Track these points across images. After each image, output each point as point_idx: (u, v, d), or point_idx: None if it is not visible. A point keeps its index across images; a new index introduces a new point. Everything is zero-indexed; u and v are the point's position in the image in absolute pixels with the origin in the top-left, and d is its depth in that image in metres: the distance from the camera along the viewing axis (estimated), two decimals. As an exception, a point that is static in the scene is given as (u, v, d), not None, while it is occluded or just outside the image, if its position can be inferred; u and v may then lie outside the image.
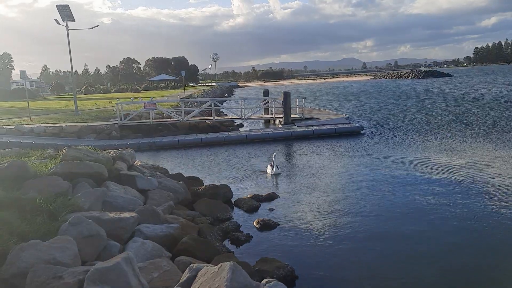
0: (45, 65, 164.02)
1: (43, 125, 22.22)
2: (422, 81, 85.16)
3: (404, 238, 7.44)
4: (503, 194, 9.52)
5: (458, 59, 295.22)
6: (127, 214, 6.03)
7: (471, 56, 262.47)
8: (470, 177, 11.18)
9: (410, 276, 6.13)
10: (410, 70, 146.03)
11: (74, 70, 31.11)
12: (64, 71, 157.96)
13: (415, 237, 7.46)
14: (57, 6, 27.18)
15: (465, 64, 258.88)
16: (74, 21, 28.13)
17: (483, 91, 44.62)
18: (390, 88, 63.70)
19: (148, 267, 4.87)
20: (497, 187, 10.11)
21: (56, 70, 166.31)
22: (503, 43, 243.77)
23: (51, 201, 5.79)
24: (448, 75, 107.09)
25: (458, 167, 12.42)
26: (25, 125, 22.22)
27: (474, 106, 30.00)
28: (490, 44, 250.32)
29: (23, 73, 27.84)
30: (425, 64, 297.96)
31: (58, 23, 27.69)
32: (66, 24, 27.81)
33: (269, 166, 12.74)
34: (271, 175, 12.46)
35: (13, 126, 21.75)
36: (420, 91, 51.24)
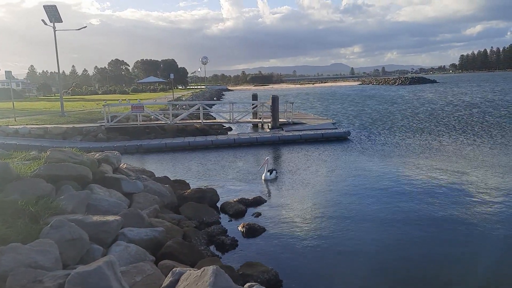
0: (31, 66, 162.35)
1: (28, 126, 21.93)
2: (408, 87, 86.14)
3: (389, 243, 7.49)
4: (487, 199, 9.66)
5: (444, 66, 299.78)
6: (111, 218, 5.97)
7: (457, 63, 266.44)
8: (451, 181, 11.32)
9: (394, 281, 6.17)
10: (397, 77, 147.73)
11: (61, 71, 30.82)
12: (51, 72, 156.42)
13: (400, 242, 7.51)
14: (44, 6, 26.91)
15: (451, 71, 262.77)
16: (62, 21, 27.86)
17: (466, 97, 45.38)
18: (377, 94, 64.36)
19: (131, 271, 4.82)
20: (480, 190, 10.25)
21: (43, 70, 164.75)
22: (488, 51, 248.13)
23: (33, 203, 5.70)
24: (434, 81, 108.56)
25: (440, 170, 12.60)
26: (10, 126, 21.89)
27: (456, 111, 30.48)
28: (475, 52, 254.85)
29: (8, 73, 27.45)
30: (411, 71, 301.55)
31: (45, 23, 27.41)
32: (53, 24, 27.54)
33: (264, 172, 12.47)
34: (265, 180, 12.32)
35: (-3, 127, 21.43)
36: (406, 98, 51.88)
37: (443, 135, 20.39)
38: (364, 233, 7.94)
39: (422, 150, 16.48)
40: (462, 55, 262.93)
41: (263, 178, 12.43)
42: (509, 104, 34.93)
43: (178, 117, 23.94)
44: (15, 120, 24.86)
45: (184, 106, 33.36)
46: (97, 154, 9.51)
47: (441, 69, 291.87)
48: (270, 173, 12.46)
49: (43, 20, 27.30)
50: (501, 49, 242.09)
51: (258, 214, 9.22)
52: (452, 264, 6.61)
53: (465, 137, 19.47)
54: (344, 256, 7.03)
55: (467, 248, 7.16)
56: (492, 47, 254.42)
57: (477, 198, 9.85)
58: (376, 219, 8.69)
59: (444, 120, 26.12)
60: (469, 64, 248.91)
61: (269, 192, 11.18)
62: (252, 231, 8.07)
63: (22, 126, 21.94)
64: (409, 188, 10.96)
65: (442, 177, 12.00)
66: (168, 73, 67.03)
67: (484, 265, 6.56)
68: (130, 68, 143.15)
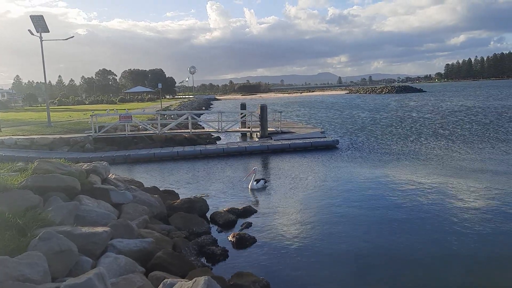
0: (17, 76, 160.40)
1: (14, 137, 21.64)
2: (395, 96, 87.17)
3: (381, 251, 7.52)
4: (474, 207, 9.79)
5: (430, 75, 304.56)
6: (100, 229, 5.91)
7: (443, 72, 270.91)
8: (436, 186, 11.47)
9: (384, 289, 6.21)
10: (384, 85, 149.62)
11: (47, 81, 30.52)
12: (37, 82, 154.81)
13: (390, 251, 7.55)
14: (31, 16, 26.74)
15: (436, 80, 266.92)
16: (48, 31, 27.67)
17: (451, 104, 46.17)
18: (364, 103, 65.02)
19: (121, 283, 4.77)
20: (467, 199, 10.39)
21: (28, 81, 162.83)
22: (472, 60, 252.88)
23: (20, 215, 5.61)
24: (421, 90, 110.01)
25: (425, 177, 12.76)
26: (-5, 137, 21.59)
27: (441, 118, 30.95)
28: (460, 61, 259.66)
29: (-6, 83, 27.12)
30: (398, 80, 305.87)
31: (32, 33, 27.20)
32: (40, 34, 27.35)
33: (251, 181, 12.54)
34: (251, 189, 12.36)
35: (-18, 138, 21.11)
36: (393, 106, 52.51)
37: (429, 142, 20.64)
38: (355, 241, 7.97)
39: (409, 158, 16.66)
40: (447, 64, 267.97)
41: (249, 187, 12.46)
42: (491, 111, 35.62)
43: (167, 127, 23.86)
44: (1, 131, 24.52)
45: (172, 116, 33.27)
46: (85, 165, 9.42)
47: (427, 78, 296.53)
48: (257, 182, 12.49)
49: (29, 30, 27.08)
50: (485, 58, 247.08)
51: (248, 224, 9.20)
52: (440, 266, 6.67)
53: (451, 143, 19.75)
54: (335, 264, 7.04)
55: (453, 250, 7.23)
56: (476, 56, 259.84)
57: (465, 201, 9.98)
58: (366, 227, 8.74)
59: (429, 128, 26.50)
60: (454, 73, 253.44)
61: (259, 202, 11.17)
62: (243, 241, 8.05)
63: (7, 136, 21.66)
64: (398, 195, 11.06)
65: (427, 182, 12.17)
66: (156, 83, 67.02)
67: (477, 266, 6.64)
68: (117, 78, 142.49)
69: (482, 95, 68.84)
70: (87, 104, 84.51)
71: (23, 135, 22.74)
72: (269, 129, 23.67)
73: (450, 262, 6.95)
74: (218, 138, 25.64)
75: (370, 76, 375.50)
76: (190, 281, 4.09)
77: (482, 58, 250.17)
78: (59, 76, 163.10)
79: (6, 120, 33.30)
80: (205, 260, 7.23)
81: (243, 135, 26.47)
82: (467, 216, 9.15)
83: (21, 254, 4.57)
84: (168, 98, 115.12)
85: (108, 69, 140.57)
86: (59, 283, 4.03)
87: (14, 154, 18.15)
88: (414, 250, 7.49)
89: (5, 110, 55.49)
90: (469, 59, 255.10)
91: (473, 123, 28.47)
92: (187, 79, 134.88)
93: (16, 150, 19.92)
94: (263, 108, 22.96)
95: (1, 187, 6.57)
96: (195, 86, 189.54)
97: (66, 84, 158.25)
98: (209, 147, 20.91)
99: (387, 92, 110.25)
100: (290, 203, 10.88)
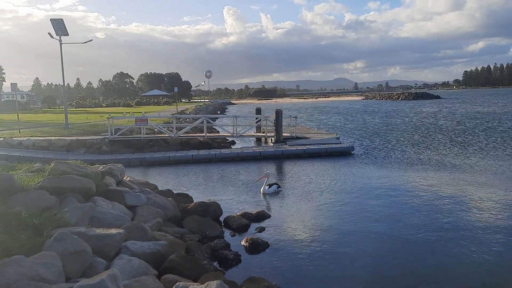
0: (36, 78, 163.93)
1: (32, 138, 22.00)
2: (412, 103, 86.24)
3: (394, 258, 7.42)
4: (492, 216, 9.58)
5: (448, 81, 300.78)
6: (114, 230, 5.95)
7: (461, 79, 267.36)
8: (454, 195, 11.26)
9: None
10: (401, 92, 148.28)
11: (66, 83, 31.01)
12: (55, 84, 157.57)
13: (404, 257, 7.44)
14: (51, 20, 27.23)
15: (454, 86, 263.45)
16: (68, 35, 28.15)
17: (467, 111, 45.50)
18: (381, 109, 64.49)
19: (133, 285, 4.78)
20: (485, 208, 10.18)
21: (47, 83, 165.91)
22: (491, 67, 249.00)
23: (37, 216, 5.68)
24: (438, 97, 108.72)
25: (442, 185, 12.54)
26: (14, 138, 21.98)
27: (458, 125, 30.48)
28: (479, 68, 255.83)
29: (14, 85, 27.65)
30: (415, 86, 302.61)
31: (52, 36, 27.70)
32: (60, 38, 27.83)
33: (263, 186, 12.57)
34: (263, 194, 12.37)
35: (1, 139, 21.52)
36: (409, 113, 51.97)
37: (446, 150, 20.32)
38: (368, 249, 7.87)
39: (426, 165, 16.41)
40: (465, 71, 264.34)
41: (261, 191, 12.43)
42: (508, 118, 34.99)
43: (182, 131, 23.99)
44: (20, 132, 24.97)
45: (187, 120, 33.47)
46: (101, 167, 9.51)
47: (445, 84, 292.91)
48: (269, 187, 12.45)
49: (49, 33, 27.61)
50: (504, 66, 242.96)
51: (261, 229, 9.16)
52: (450, 276, 6.53)
53: (465, 150, 19.41)
54: (349, 271, 6.95)
55: (467, 260, 7.08)
56: (495, 63, 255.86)
57: (482, 211, 9.77)
58: (380, 234, 8.62)
59: (444, 134, 26.11)
60: (473, 80, 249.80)
61: (272, 207, 11.12)
62: (256, 246, 8.01)
63: (26, 138, 22.02)
64: (413, 203, 10.90)
65: (443, 190, 11.97)
66: (172, 87, 67.57)
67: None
68: (134, 81, 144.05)
69: (500, 102, 67.68)
70: (104, 107, 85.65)
71: (41, 136, 23.10)
72: (284, 134, 23.60)
73: (468, 270, 6.82)
74: (233, 143, 25.67)
75: (387, 82, 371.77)
76: (203, 285, 4.08)
77: (502, 65, 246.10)
78: (77, 78, 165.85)
79: (25, 121, 33.88)
80: (218, 264, 7.21)
81: (258, 139, 26.44)
82: (483, 225, 8.96)
83: (36, 254, 4.62)
84: (184, 102, 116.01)
85: (125, 73, 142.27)
86: (73, 284, 4.05)
87: (32, 155, 18.44)
88: (430, 259, 7.35)
89: (24, 111, 56.50)
90: (488, 66, 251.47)
91: (488, 130, 28.04)
92: (203, 83, 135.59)
93: (34, 151, 20.26)
94: (278, 113, 22.91)
95: (18, 188, 6.66)
96: (211, 90, 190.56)
97: (84, 87, 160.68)
98: (223, 151, 20.93)
99: (404, 99, 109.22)
100: (304, 209, 10.81)
